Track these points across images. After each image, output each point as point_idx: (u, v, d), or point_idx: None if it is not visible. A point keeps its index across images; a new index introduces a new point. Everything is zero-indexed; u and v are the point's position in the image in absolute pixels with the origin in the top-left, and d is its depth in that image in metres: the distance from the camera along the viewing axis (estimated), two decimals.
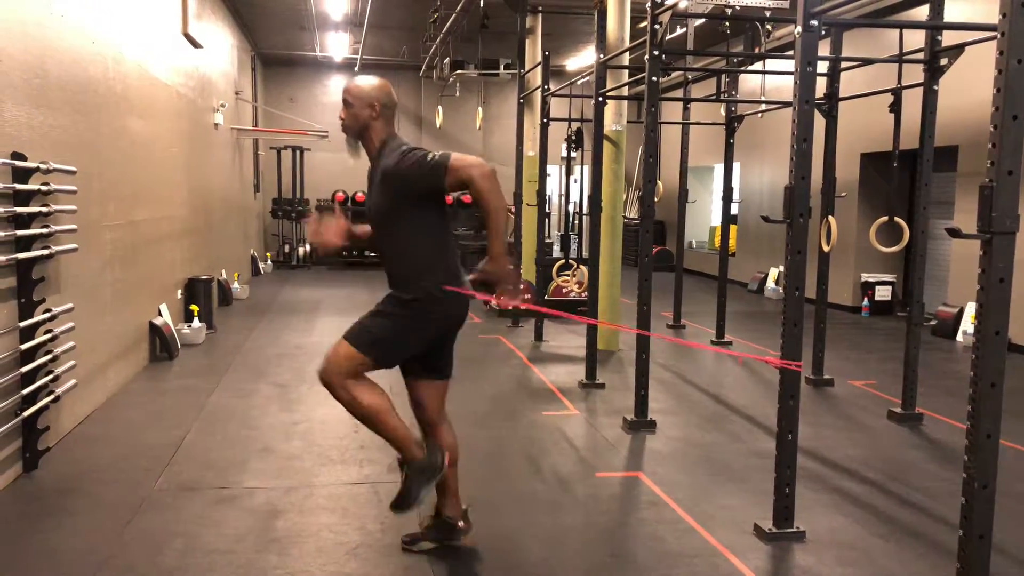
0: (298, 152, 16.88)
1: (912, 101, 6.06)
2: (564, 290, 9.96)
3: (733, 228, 15.80)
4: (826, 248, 6.49)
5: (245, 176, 14.36)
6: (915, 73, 5.92)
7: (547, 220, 9.53)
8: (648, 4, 5.33)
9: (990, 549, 2.87)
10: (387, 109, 3.37)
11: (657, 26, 5.28)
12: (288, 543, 3.65)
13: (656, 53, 5.32)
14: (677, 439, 5.42)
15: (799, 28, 3.51)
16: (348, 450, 4.99)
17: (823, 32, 3.53)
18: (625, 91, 7.79)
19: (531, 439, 5.31)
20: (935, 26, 5.34)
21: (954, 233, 2.72)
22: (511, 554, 3.62)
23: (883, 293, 11.46)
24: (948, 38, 5.60)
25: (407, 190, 3.20)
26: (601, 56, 6.46)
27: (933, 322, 9.81)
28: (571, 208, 19.22)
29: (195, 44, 9.29)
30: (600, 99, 6.48)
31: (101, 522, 3.85)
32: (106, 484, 4.37)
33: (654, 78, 5.34)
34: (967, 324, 9.35)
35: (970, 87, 8.01)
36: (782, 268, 13.55)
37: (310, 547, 3.62)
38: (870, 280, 11.46)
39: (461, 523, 3.61)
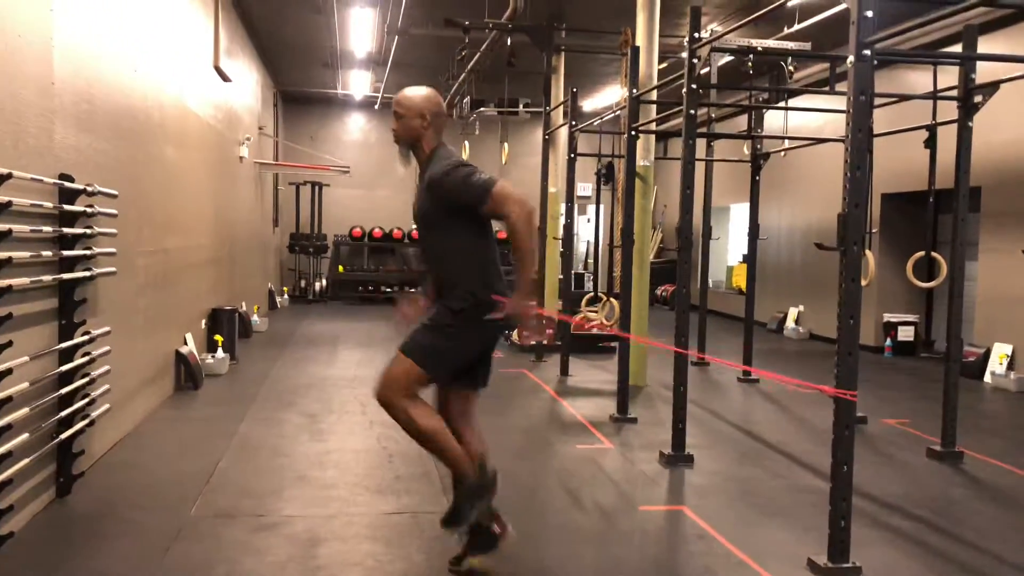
0: (317, 187, 16.99)
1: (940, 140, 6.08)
2: (587, 324, 9.90)
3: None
4: (863, 283, 6.44)
5: (265, 210, 14.44)
6: (943, 112, 5.94)
7: (573, 255, 9.51)
8: (687, 39, 5.37)
9: None
10: (437, 119, 3.43)
11: (695, 60, 5.32)
12: (334, 570, 3.57)
13: (694, 86, 5.34)
14: (716, 473, 5.33)
15: (852, 58, 3.52)
16: (384, 480, 4.92)
17: (875, 63, 3.54)
18: (652, 126, 7.81)
19: (568, 472, 5.23)
20: (989, 57, 5.35)
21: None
22: None
23: (906, 333, 11.36)
24: (982, 76, 5.62)
25: (449, 202, 3.27)
26: (634, 91, 6.50)
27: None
28: (585, 246, 19.34)
29: (225, 78, 9.40)
30: (633, 133, 6.50)
31: (140, 549, 3.78)
32: (141, 510, 4.30)
33: (692, 111, 5.36)
34: (995, 365, 9.24)
35: (993, 128, 8.01)
36: (801, 307, 13.55)
37: (356, 575, 3.54)
38: (892, 320, 11.37)
39: (496, 528, 3.55)
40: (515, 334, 10.79)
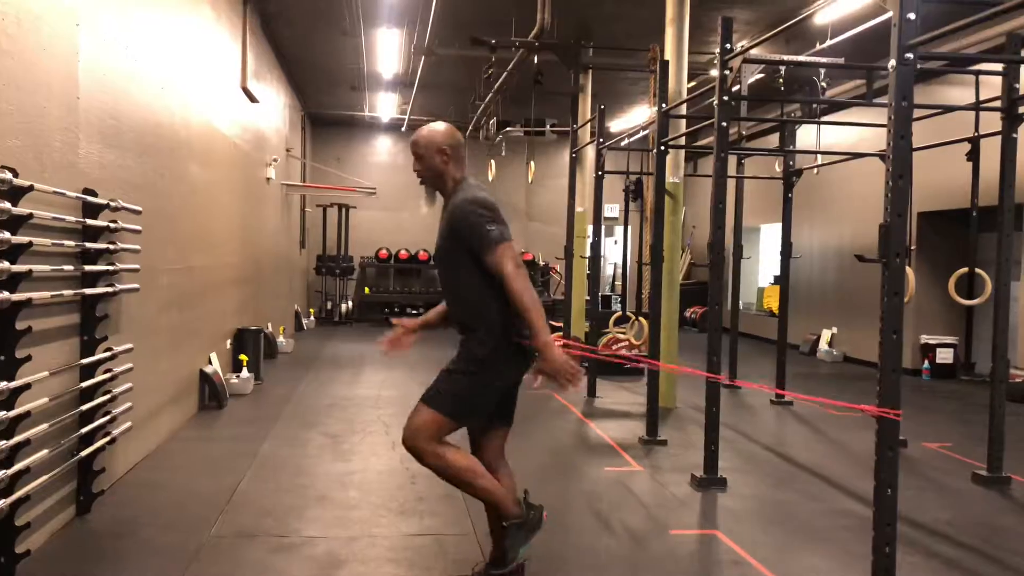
0: (344, 209, 17.03)
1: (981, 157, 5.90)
2: (615, 346, 9.74)
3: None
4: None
5: (292, 232, 14.48)
6: (984, 126, 5.76)
7: (601, 275, 9.37)
8: (718, 50, 5.27)
9: None
10: (456, 151, 3.38)
11: (727, 71, 5.20)
12: None
13: (726, 99, 5.22)
14: (750, 497, 5.14)
15: (893, 61, 3.38)
16: (407, 501, 4.79)
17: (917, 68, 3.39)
18: (682, 140, 7.69)
19: (596, 495, 5.07)
20: None
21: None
22: None
23: (944, 355, 11.06)
24: None
25: (461, 242, 3.21)
26: (664, 106, 6.39)
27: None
28: (612, 269, 19.18)
29: (252, 98, 9.44)
30: (663, 148, 6.39)
31: (159, 568, 3.69)
32: (161, 529, 4.21)
33: (724, 123, 5.24)
34: None
35: None
36: (835, 329, 13.26)
37: None
38: (931, 342, 11.08)
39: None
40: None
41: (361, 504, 4.71)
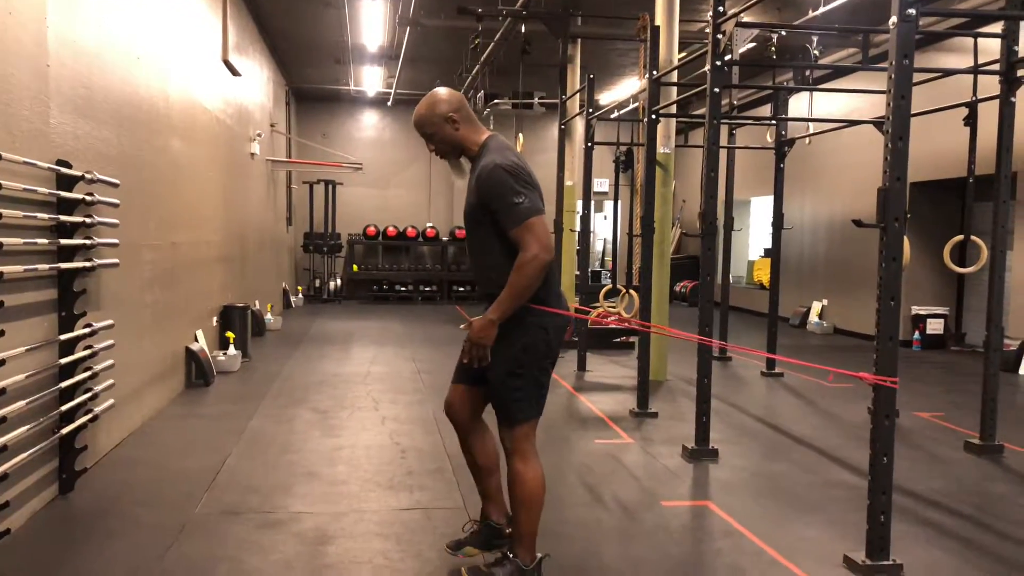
0: (330, 186, 16.85)
1: (961, 129, 5.80)
2: (606, 319, 9.68)
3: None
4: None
5: (278, 209, 14.30)
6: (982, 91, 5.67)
7: (590, 248, 9.28)
8: (710, 14, 5.15)
9: None
10: (462, 112, 3.18)
11: (720, 35, 5.09)
12: (341, 569, 3.38)
13: (719, 64, 5.12)
14: (742, 468, 5.10)
15: (894, 18, 3.29)
16: (396, 476, 4.72)
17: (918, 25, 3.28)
18: (672, 110, 7.57)
19: (587, 467, 5.02)
20: None
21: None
22: None
23: (935, 326, 11.06)
24: None
25: (488, 207, 3.03)
26: (654, 73, 6.28)
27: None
28: (601, 244, 19.07)
29: (234, 72, 9.25)
30: (653, 117, 6.28)
31: (142, 546, 3.61)
32: (145, 507, 4.13)
33: (716, 90, 5.14)
34: None
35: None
36: (825, 302, 13.24)
37: (366, 574, 3.35)
38: (921, 313, 11.07)
39: (509, 530, 3.35)
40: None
41: (350, 479, 4.64)
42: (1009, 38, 5.41)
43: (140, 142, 5.74)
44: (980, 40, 5.96)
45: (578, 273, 10.03)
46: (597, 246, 18.53)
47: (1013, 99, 5.45)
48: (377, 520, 3.99)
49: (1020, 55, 5.38)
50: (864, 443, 5.74)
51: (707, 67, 5.18)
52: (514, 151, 3.15)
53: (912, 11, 3.25)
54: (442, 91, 3.20)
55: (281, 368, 8.31)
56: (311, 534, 3.77)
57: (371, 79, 15.82)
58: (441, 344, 10.57)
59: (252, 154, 10.73)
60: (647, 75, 6.38)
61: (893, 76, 3.29)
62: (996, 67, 5.47)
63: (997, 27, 5.53)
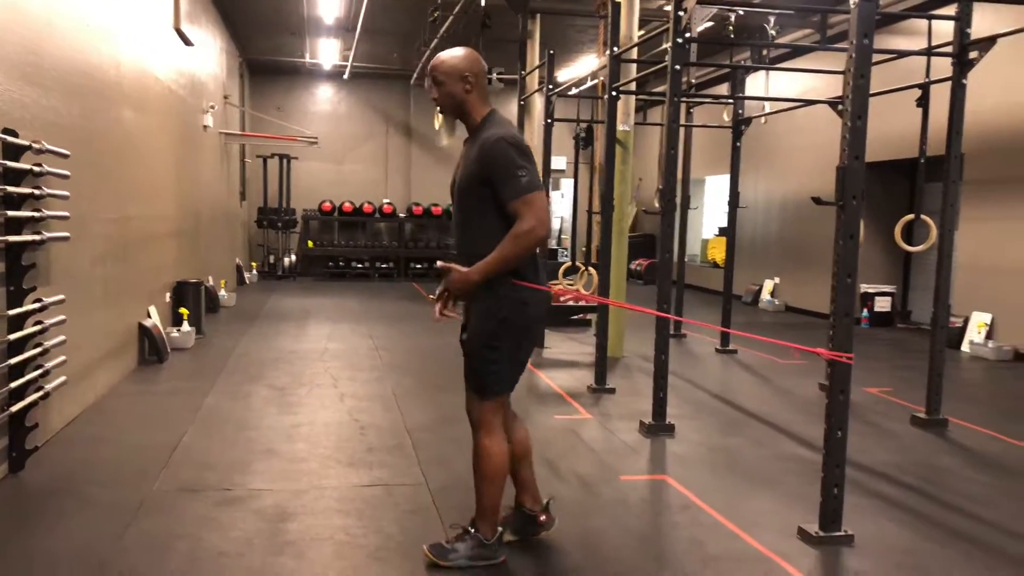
0: (285, 160, 16.58)
1: (915, 111, 5.91)
2: (564, 297, 9.72)
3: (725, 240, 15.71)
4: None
5: (232, 183, 14.04)
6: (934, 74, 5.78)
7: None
8: None
9: None
10: (479, 79, 3.16)
11: (682, 12, 5.11)
12: (303, 546, 3.36)
13: (680, 41, 5.13)
14: (698, 443, 5.19)
15: None
16: (356, 452, 4.71)
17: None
18: (632, 87, 7.59)
19: (547, 442, 5.05)
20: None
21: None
22: (544, 559, 3.36)
23: (883, 304, 11.32)
24: (977, 31, 5.48)
25: (487, 178, 3.03)
26: (615, 49, 6.28)
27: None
28: (559, 223, 19.11)
29: (186, 41, 9.02)
30: (614, 94, 6.28)
31: (97, 525, 3.55)
32: (100, 486, 4.05)
33: (677, 67, 5.16)
34: (973, 334, 9.23)
35: (978, 95, 7.89)
36: (777, 280, 13.47)
37: (327, 550, 3.34)
38: (870, 291, 11.32)
39: (543, 516, 3.40)
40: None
41: (309, 456, 4.61)
42: (962, 21, 5.51)
43: (91, 112, 5.58)
44: (934, 22, 6.07)
45: (537, 250, 10.04)
46: (555, 224, 18.56)
47: (964, 81, 5.57)
48: (337, 497, 3.97)
49: (972, 38, 5.49)
50: (816, 418, 5.88)
51: (668, 44, 5.19)
52: (515, 128, 3.16)
53: None
54: (468, 51, 3.20)
55: (236, 345, 8.20)
56: (271, 511, 3.74)
57: (327, 52, 15.56)
58: (398, 321, 10.53)
59: (205, 126, 10.50)
60: (608, 52, 6.38)
61: (853, 55, 3.34)
62: (949, 49, 5.57)
63: (951, 10, 5.64)
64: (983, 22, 5.77)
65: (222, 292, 11.11)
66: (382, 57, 15.77)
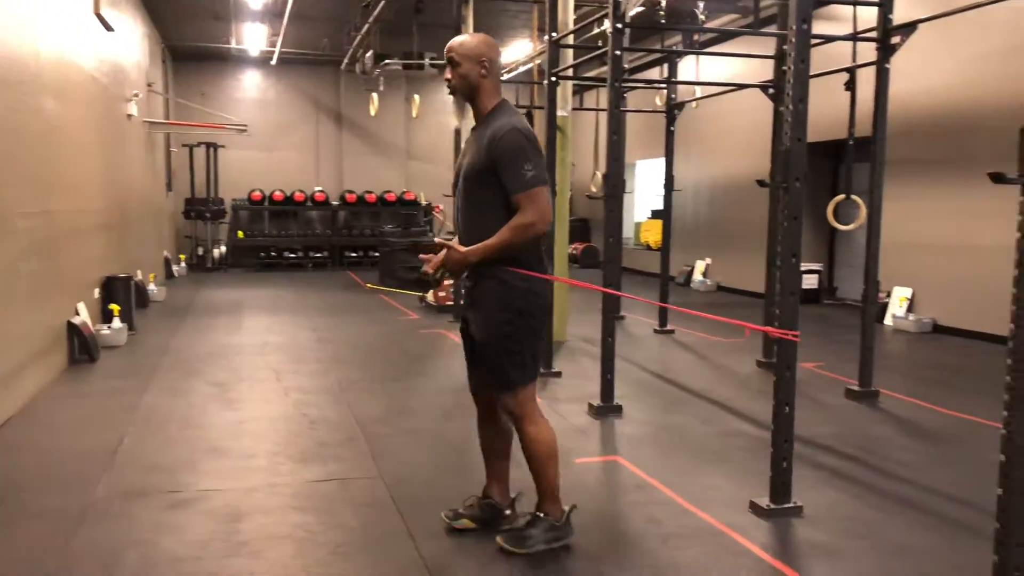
0: (212, 149, 16.14)
1: (838, 94, 6.07)
2: None
3: (658, 223, 15.95)
4: None
5: (157, 173, 13.62)
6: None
7: None
8: None
9: None
10: (494, 65, 3.16)
11: None
12: (261, 546, 3.30)
13: (620, 26, 5.17)
14: (646, 423, 5.28)
15: None
16: (307, 447, 4.64)
17: None
18: (570, 72, 7.61)
19: None
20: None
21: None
22: None
23: (810, 281, 11.66)
24: (899, 16, 5.67)
25: (495, 167, 3.04)
26: (554, 35, 6.28)
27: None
28: None
29: (107, 27, 8.68)
30: (553, 80, 6.29)
31: (39, 535, 3.41)
32: (38, 493, 3.90)
33: (617, 52, 5.19)
34: (895, 308, 9.59)
35: (895, 78, 8.17)
36: (708, 260, 13.76)
37: (287, 549, 3.28)
38: None
39: (508, 511, 3.41)
40: (431, 294, 10.55)
41: (257, 453, 4.53)
42: (885, 7, 5.69)
43: (10, 102, 5.32)
44: (859, 9, 6.25)
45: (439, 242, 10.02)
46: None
47: (888, 65, 5.75)
48: (292, 493, 3.91)
49: (894, 23, 5.68)
50: (755, 394, 6.09)
51: (601, 29, 5.22)
52: (523, 118, 3.17)
53: None
54: (485, 36, 3.21)
55: (171, 340, 7.98)
56: (224, 511, 3.66)
57: (254, 37, 15.14)
58: (338, 312, 10.40)
59: (129, 115, 10.14)
60: (547, 37, 6.38)
61: (793, 40, 3.42)
62: (874, 34, 5.75)
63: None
64: (905, 8, 5.96)
65: (151, 286, 10.78)
66: (311, 43, 15.46)
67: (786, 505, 3.66)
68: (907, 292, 9.54)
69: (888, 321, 9.62)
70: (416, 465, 4.39)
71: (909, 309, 9.47)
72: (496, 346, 3.13)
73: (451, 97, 3.31)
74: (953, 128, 8.82)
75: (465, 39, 3.15)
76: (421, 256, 3.14)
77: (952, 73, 8.78)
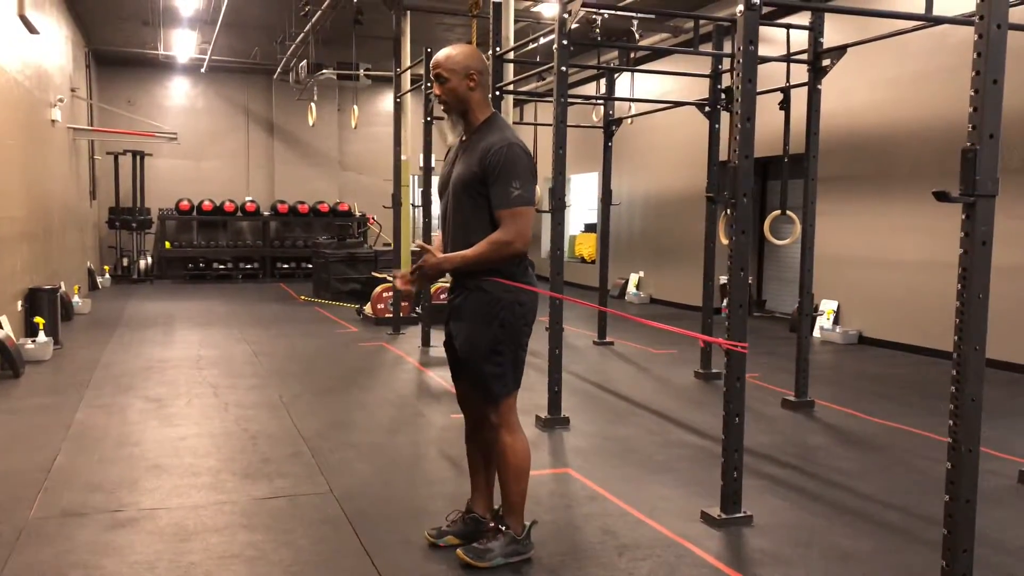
0: (138, 157, 15.66)
1: (766, 113, 6.32)
2: (443, 295, 9.71)
3: (592, 236, 16.15)
4: (725, 242, 6.63)
5: (81, 181, 13.15)
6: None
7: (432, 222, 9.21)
8: None
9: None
10: (483, 77, 3.13)
11: (566, 16, 5.21)
12: (211, 566, 3.21)
13: (565, 43, 5.24)
14: (593, 435, 5.33)
15: (741, 6, 3.51)
16: (251, 463, 4.54)
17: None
18: (511, 86, 7.68)
19: (448, 441, 5.05)
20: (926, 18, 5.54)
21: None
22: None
23: None
24: (830, 40, 5.91)
25: (486, 181, 3.03)
26: (498, 49, 6.33)
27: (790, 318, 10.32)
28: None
29: (32, 29, 8.35)
30: (497, 94, 6.33)
31: None
32: None
33: (563, 68, 5.26)
34: (822, 320, 9.92)
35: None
36: (642, 273, 14.00)
37: (239, 569, 3.20)
38: (727, 282, 11.94)
39: (491, 523, 3.36)
40: (368, 307, 10.44)
41: (200, 470, 4.40)
42: (816, 31, 5.92)
43: None
44: (792, 32, 6.47)
45: (416, 248, 9.99)
46: (436, 222, 18.48)
47: (819, 86, 5.98)
48: (239, 511, 3.82)
49: (824, 47, 5.91)
50: (695, 405, 6.22)
51: (555, 46, 5.29)
52: (516, 134, 3.18)
53: (757, 0, 3.49)
54: (471, 48, 3.17)
55: (100, 355, 7.70)
56: (170, 530, 3.55)
57: (183, 44, 14.79)
58: (273, 324, 10.20)
59: (53, 121, 9.78)
60: (491, 52, 6.42)
61: (740, 61, 3.52)
62: (805, 56, 5.97)
63: (805, 19, 6.04)
64: (831, 33, 6.20)
65: (76, 298, 10.40)
66: (242, 51, 15.19)
67: (737, 515, 3.74)
68: (833, 305, 9.88)
69: (816, 333, 9.93)
70: (365, 480, 4.33)
71: (836, 321, 9.80)
72: (480, 357, 3.13)
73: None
74: (873, 147, 9.20)
75: (451, 53, 3.11)
76: (394, 272, 3.15)
77: (870, 95, 9.16)
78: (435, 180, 11.98)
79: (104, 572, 3.14)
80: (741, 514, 3.74)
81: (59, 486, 4.11)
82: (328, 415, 5.62)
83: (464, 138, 3.19)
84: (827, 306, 9.97)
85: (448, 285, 9.07)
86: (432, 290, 9.54)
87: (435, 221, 18.54)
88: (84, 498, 3.94)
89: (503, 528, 3.23)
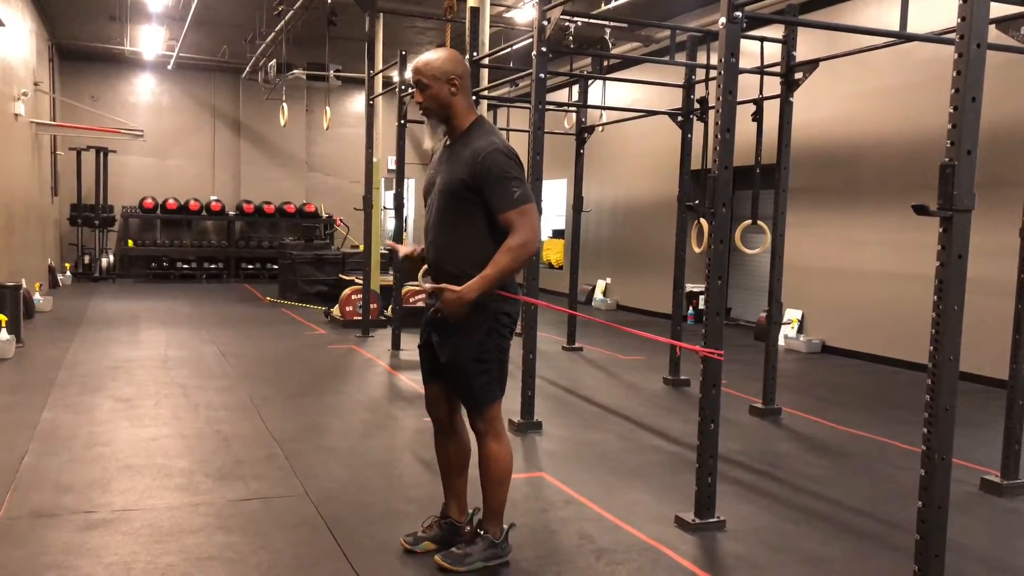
0: (102, 154, 15.40)
1: (746, 122, 6.46)
2: (413, 298, 9.72)
3: (560, 242, 16.24)
4: (697, 250, 6.74)
5: (42, 177, 12.90)
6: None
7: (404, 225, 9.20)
8: (536, 1, 5.30)
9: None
10: (464, 80, 3.09)
11: (545, 23, 5.27)
12: (189, 568, 3.18)
13: (544, 49, 5.29)
14: (566, 439, 5.37)
15: (723, 19, 3.59)
16: (225, 465, 4.50)
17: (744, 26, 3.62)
18: (485, 93, 7.71)
19: (422, 445, 5.05)
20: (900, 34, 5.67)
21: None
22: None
23: None
24: (802, 54, 6.04)
25: (479, 189, 3.00)
26: (475, 54, 6.36)
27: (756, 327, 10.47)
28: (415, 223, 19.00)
29: None
30: (473, 99, 6.35)
31: None
32: None
33: (542, 75, 5.31)
34: (786, 329, 10.08)
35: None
36: (609, 280, 14.10)
37: (216, 571, 3.18)
38: (694, 290, 12.09)
39: (467, 528, 3.37)
40: (336, 309, 10.39)
41: (173, 471, 4.36)
42: (789, 44, 6.05)
43: None
44: (765, 45, 6.60)
45: (386, 251, 9.98)
46: (411, 225, 18.42)
47: (791, 99, 6.11)
48: (215, 513, 3.79)
49: (797, 60, 6.04)
50: (665, 411, 6.29)
51: (533, 52, 5.34)
52: (501, 136, 3.16)
53: (739, 13, 3.57)
54: (451, 52, 3.13)
55: (64, 354, 7.57)
56: (145, 532, 3.51)
57: (151, 40, 14.56)
58: (240, 325, 10.10)
59: (16, 115, 9.59)
60: (467, 57, 6.45)
61: (722, 72, 3.60)
62: (778, 69, 6.09)
63: (779, 32, 6.16)
64: (802, 47, 6.34)
65: (37, 296, 10.20)
66: (210, 49, 15.02)
67: (710, 520, 3.80)
68: (797, 314, 10.05)
69: (781, 341, 10.09)
70: (340, 483, 4.32)
71: (799, 330, 9.97)
72: (467, 365, 3.11)
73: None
74: (838, 160, 9.39)
75: (430, 59, 3.07)
76: (422, 287, 3.12)
77: (836, 109, 9.35)
78: (408, 183, 11.97)
79: (79, 573, 3.11)
80: (714, 519, 3.81)
81: (29, 486, 4.04)
82: (300, 417, 5.59)
83: (448, 143, 3.18)
84: (791, 315, 10.13)
85: (417, 288, 8.99)
86: (403, 292, 9.53)
87: (411, 226, 18.51)
88: (55, 499, 3.88)
89: (481, 532, 3.25)
